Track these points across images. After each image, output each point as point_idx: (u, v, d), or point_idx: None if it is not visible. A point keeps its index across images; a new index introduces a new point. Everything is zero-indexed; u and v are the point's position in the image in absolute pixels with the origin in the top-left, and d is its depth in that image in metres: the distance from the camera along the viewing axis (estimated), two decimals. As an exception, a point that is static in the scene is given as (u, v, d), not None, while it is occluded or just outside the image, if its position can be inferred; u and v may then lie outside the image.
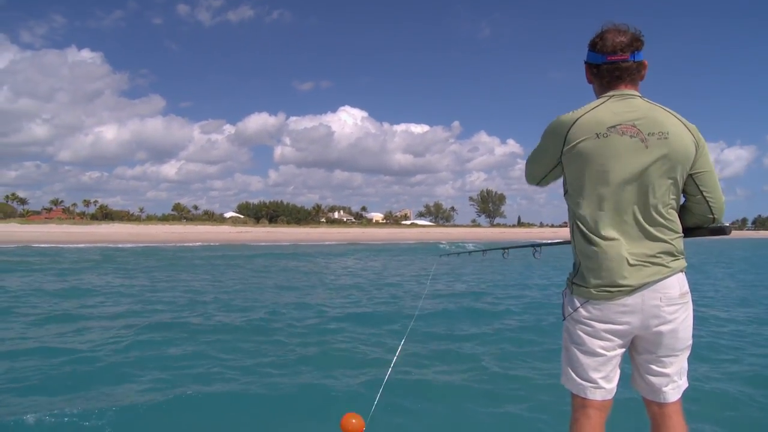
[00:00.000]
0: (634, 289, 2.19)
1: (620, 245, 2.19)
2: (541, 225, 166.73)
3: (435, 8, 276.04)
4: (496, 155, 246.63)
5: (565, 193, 2.36)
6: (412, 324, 4.43)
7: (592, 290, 2.23)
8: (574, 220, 2.31)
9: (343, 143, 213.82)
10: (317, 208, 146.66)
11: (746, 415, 5.04)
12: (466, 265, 21.58)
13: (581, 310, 2.28)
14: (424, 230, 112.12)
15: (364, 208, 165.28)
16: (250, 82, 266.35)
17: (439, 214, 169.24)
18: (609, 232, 2.20)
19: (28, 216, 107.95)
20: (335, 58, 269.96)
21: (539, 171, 2.43)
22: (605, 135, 2.18)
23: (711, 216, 2.39)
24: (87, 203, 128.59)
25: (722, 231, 2.47)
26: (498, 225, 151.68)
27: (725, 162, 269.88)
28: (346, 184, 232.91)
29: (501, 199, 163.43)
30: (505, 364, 6.72)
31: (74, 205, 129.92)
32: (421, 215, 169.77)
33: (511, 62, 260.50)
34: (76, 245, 40.11)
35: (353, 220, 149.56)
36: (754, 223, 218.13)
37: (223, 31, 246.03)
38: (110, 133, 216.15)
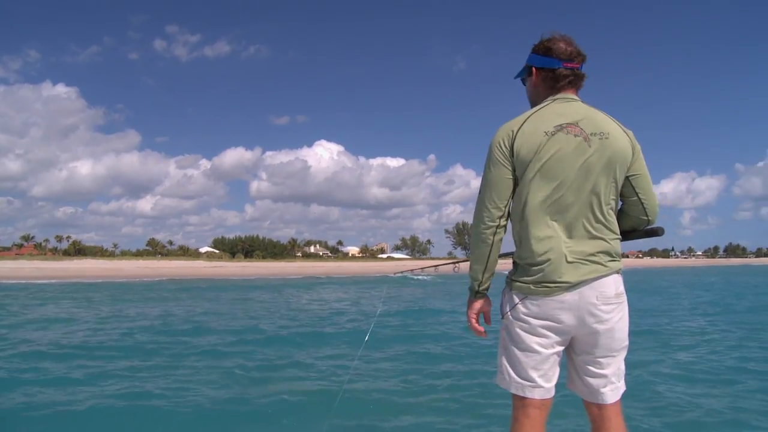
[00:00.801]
0: (572, 286, 2.21)
1: (560, 242, 2.22)
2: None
3: (411, 42, 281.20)
4: (472, 188, 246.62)
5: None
6: (367, 337, 4.62)
7: (531, 286, 2.25)
8: (517, 215, 2.32)
9: (319, 177, 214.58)
10: (293, 243, 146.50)
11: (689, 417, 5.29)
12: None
13: (520, 306, 2.29)
14: (400, 263, 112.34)
15: (340, 242, 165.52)
16: (226, 116, 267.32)
17: (415, 247, 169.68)
18: (550, 228, 2.24)
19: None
20: (311, 92, 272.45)
21: (500, 193, 2.30)
22: (552, 133, 2.22)
23: (645, 218, 2.46)
24: (59, 239, 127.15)
25: (656, 233, 2.55)
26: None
27: (696, 192, 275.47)
28: (323, 219, 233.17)
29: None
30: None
31: (46, 240, 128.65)
32: (397, 248, 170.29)
33: (486, 94, 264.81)
34: (47, 281, 39.86)
35: (329, 254, 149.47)
36: (725, 250, 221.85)
37: (200, 67, 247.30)
38: (85, 169, 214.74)
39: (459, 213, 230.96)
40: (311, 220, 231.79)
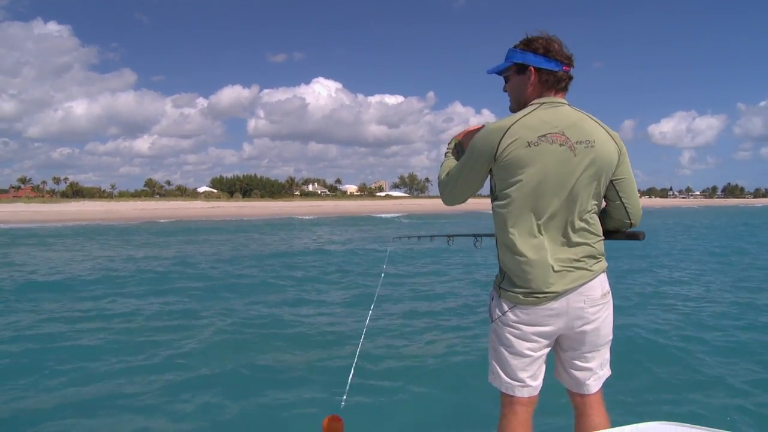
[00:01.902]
0: (559, 295, 2.24)
1: (545, 253, 2.23)
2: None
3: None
4: (472, 124, 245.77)
5: (494, 200, 2.34)
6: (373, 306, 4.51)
7: (519, 296, 2.27)
8: (501, 227, 2.32)
9: (317, 115, 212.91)
10: (291, 181, 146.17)
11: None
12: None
13: (509, 314, 2.31)
14: (398, 202, 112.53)
15: (338, 181, 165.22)
16: (222, 54, 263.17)
17: (414, 185, 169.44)
18: (535, 240, 2.24)
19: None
20: (308, 29, 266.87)
21: (468, 188, 2.39)
22: (536, 143, 2.18)
23: (628, 221, 2.46)
24: (57, 180, 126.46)
25: (636, 237, 2.55)
26: (476, 196, 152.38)
27: (696, 131, 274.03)
28: (321, 157, 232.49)
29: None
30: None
31: (44, 182, 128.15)
32: (396, 186, 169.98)
33: (485, 32, 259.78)
34: (45, 224, 39.99)
35: (327, 192, 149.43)
36: (723, 191, 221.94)
37: (196, 3, 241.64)
38: (80, 109, 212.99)
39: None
40: (309, 158, 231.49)
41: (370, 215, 58.63)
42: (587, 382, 2.42)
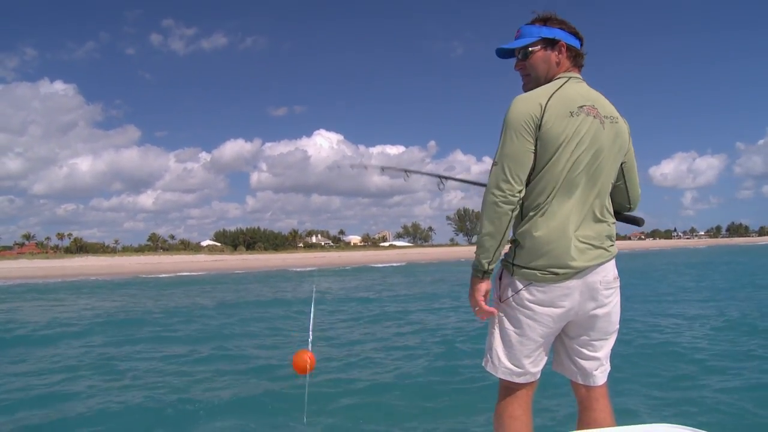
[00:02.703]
0: (578, 272, 2.17)
1: (570, 226, 2.16)
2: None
3: (407, 29, 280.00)
4: (473, 173, 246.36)
5: None
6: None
7: (537, 272, 2.18)
8: (529, 195, 2.20)
9: (319, 167, 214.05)
10: (294, 233, 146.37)
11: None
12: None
13: (524, 292, 2.22)
14: (401, 252, 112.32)
15: (341, 232, 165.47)
16: (224, 109, 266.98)
17: (417, 235, 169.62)
18: (561, 211, 2.17)
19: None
20: (308, 83, 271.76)
21: (523, 166, 2.16)
22: (576, 114, 2.16)
23: (628, 205, 2.50)
24: (61, 236, 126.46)
25: (636, 222, 2.59)
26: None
27: (697, 171, 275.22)
28: (324, 208, 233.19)
29: (478, 217, 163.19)
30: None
31: (47, 239, 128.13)
32: (399, 236, 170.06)
33: (484, 79, 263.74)
34: (44, 280, 39.73)
35: (331, 243, 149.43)
36: (728, 230, 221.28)
37: (197, 60, 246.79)
38: (85, 165, 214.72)
39: (460, 199, 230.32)
40: (312, 210, 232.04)
41: (364, 266, 58.22)
42: (594, 372, 2.35)
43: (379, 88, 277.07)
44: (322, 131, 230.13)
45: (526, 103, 2.17)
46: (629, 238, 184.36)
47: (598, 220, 2.23)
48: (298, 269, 51.77)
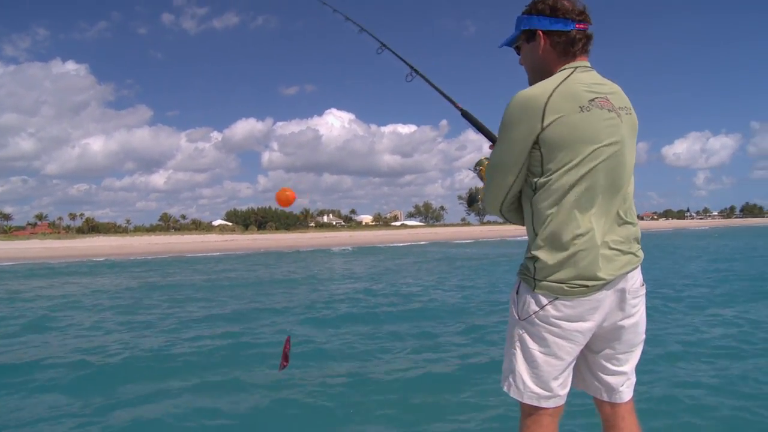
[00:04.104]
0: (608, 282, 1.99)
1: (597, 233, 1.97)
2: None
3: (420, 7, 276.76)
4: (484, 152, 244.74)
5: (535, 176, 2.02)
6: None
7: (564, 286, 1.98)
8: (546, 201, 2.00)
9: (331, 146, 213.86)
10: (306, 213, 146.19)
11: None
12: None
13: (549, 308, 2.02)
14: (413, 231, 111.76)
15: (353, 211, 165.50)
16: (236, 88, 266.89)
17: (428, 214, 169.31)
18: (587, 218, 1.97)
19: (11, 232, 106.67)
20: (319, 61, 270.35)
21: (511, 174, 2.04)
22: (588, 109, 1.95)
23: None
24: (73, 216, 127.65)
25: None
26: (488, 223, 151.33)
27: (711, 151, 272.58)
28: (336, 188, 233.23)
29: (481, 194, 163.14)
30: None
31: (60, 218, 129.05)
32: (410, 216, 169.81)
33: (497, 58, 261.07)
34: (51, 261, 39.37)
35: (342, 223, 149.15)
36: (742, 210, 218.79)
37: (209, 39, 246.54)
38: (97, 145, 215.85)
39: (471, 178, 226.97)
40: (324, 190, 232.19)
41: (371, 245, 57.73)
42: (620, 388, 2.19)
43: (390, 66, 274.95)
44: (334, 110, 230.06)
45: (525, 102, 1.96)
46: (642, 218, 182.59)
47: (625, 223, 2.05)
48: (335, 248, 51.16)
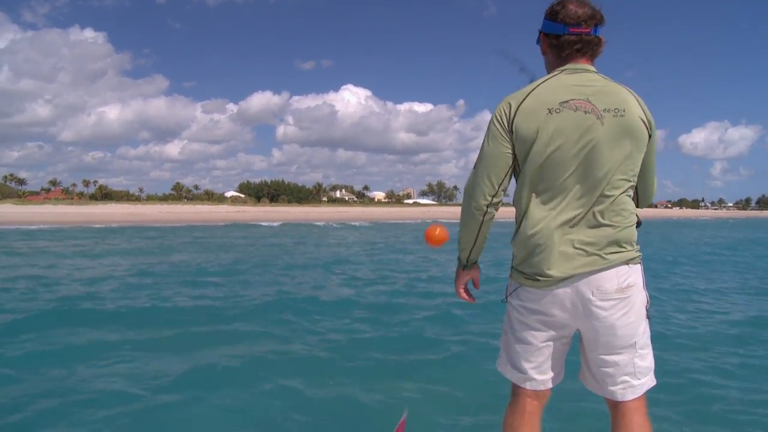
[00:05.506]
0: (562, 280, 2.06)
1: (553, 232, 2.06)
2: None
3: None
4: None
5: (516, 171, 2.16)
6: None
7: (521, 276, 2.17)
8: (516, 200, 2.18)
9: (346, 122, 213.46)
10: (318, 187, 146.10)
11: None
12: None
13: (516, 294, 2.22)
14: (425, 209, 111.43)
15: (366, 187, 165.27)
16: (253, 61, 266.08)
17: (441, 193, 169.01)
18: (544, 216, 2.07)
19: (25, 196, 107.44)
20: (337, 36, 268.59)
21: (496, 170, 2.12)
22: (557, 110, 2.04)
23: (635, 202, 2.30)
24: (87, 183, 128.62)
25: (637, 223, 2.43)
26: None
27: (729, 141, 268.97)
28: (350, 163, 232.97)
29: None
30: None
31: (73, 185, 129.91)
32: (423, 194, 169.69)
33: (516, 40, 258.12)
34: (62, 225, 39.37)
35: (355, 199, 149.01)
36: (758, 202, 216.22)
37: (228, 11, 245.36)
38: (113, 113, 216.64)
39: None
40: (338, 165, 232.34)
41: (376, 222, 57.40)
42: (611, 387, 2.19)
43: (408, 44, 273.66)
44: (350, 86, 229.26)
45: (501, 105, 2.13)
46: (656, 206, 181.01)
47: (598, 224, 2.05)
48: (317, 223, 50.90)
